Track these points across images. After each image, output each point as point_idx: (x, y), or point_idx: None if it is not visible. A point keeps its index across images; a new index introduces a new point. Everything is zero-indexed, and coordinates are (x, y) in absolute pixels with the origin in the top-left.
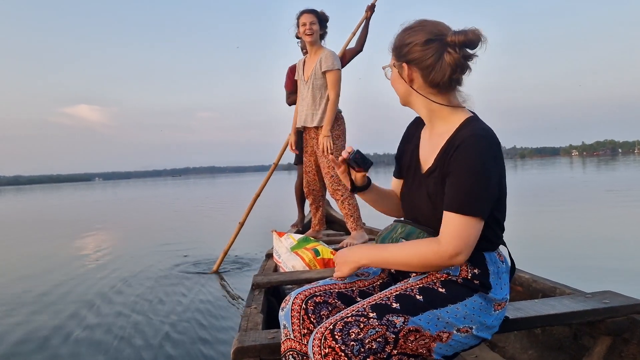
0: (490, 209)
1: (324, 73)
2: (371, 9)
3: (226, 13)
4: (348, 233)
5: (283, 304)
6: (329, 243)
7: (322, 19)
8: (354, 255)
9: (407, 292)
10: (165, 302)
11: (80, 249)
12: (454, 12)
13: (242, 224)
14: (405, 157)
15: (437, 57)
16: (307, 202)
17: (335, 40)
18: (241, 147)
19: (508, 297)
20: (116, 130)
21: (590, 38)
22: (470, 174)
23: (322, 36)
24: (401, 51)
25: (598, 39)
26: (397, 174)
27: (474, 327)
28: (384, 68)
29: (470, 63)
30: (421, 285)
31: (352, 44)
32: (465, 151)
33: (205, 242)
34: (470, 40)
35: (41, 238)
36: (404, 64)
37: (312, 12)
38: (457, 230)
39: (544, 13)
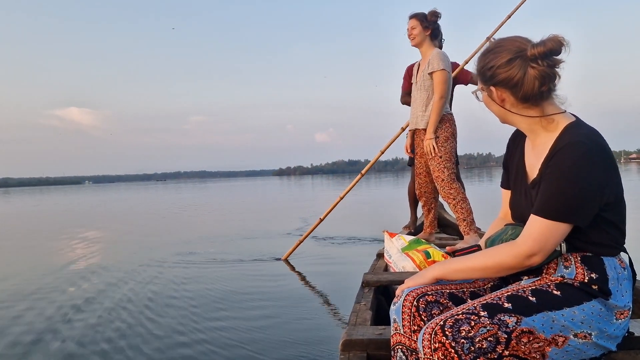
0: (587, 217)
1: (430, 74)
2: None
3: (235, 15)
4: (461, 237)
5: (395, 299)
6: (440, 246)
7: (424, 21)
8: (430, 269)
9: (519, 293)
10: (244, 283)
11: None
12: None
13: (322, 220)
14: (511, 168)
15: (522, 74)
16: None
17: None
18: (233, 152)
19: (631, 306)
20: (107, 133)
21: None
22: (560, 179)
23: (434, 36)
24: (486, 75)
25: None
26: (505, 185)
27: (593, 333)
28: (473, 93)
29: (558, 70)
30: (534, 288)
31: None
32: (559, 159)
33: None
34: (551, 48)
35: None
36: (492, 87)
37: (412, 17)
38: (535, 232)
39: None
